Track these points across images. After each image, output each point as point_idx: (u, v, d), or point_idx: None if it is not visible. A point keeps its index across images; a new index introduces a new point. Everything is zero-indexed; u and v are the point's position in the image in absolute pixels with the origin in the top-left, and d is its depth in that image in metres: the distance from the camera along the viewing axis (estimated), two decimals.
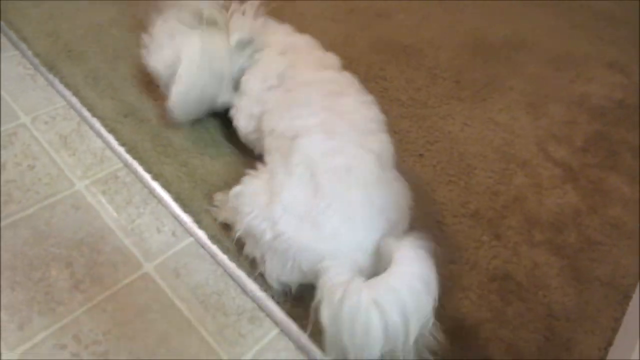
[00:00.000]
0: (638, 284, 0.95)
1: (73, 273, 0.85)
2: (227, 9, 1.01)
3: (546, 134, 1.24)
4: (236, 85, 0.99)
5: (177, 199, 0.97)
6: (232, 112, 1.01)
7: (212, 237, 0.92)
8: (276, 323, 0.84)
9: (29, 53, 1.21)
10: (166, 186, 0.98)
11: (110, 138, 1.06)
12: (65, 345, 0.77)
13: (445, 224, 1.01)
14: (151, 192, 0.99)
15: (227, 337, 0.81)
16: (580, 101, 1.35)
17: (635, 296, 0.93)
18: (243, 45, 0.98)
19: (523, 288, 0.93)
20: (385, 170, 0.82)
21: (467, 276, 0.93)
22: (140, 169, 1.01)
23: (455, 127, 1.22)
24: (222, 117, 1.07)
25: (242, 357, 0.79)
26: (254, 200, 0.80)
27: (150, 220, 0.95)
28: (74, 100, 1.12)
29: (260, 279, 0.86)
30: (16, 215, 0.91)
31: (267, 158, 0.87)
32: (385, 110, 0.90)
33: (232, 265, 0.89)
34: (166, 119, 1.07)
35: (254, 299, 0.86)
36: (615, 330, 0.89)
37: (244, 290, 0.87)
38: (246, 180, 0.84)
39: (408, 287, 0.65)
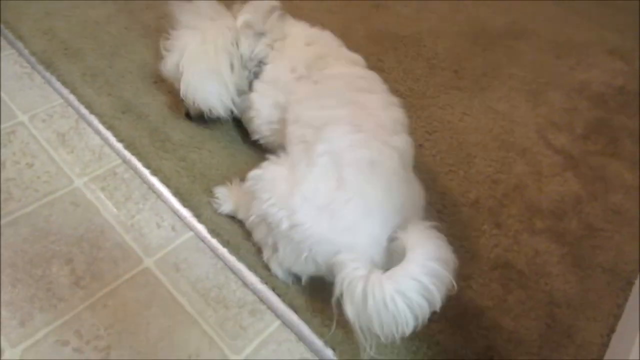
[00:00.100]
0: None
1: (74, 269, 0.85)
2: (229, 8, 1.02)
3: (546, 121, 1.23)
4: (255, 73, 0.98)
5: (176, 193, 0.97)
6: (250, 101, 0.99)
7: (212, 231, 0.92)
8: (277, 315, 0.84)
9: (26, 52, 1.21)
10: (165, 181, 0.98)
11: (109, 134, 1.06)
12: (67, 341, 0.77)
13: (445, 213, 1.01)
14: (150, 187, 0.99)
15: (228, 330, 0.81)
16: (581, 88, 1.34)
17: (637, 282, 0.93)
18: (250, 26, 0.97)
19: (524, 276, 0.92)
20: (406, 169, 0.82)
21: (468, 265, 0.92)
22: (139, 165, 1.01)
23: (454, 116, 1.21)
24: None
25: (243, 350, 0.80)
26: (273, 187, 0.79)
27: (149, 216, 0.95)
28: (72, 97, 1.12)
29: (262, 270, 0.87)
30: (16, 213, 0.92)
31: (288, 147, 0.86)
32: None
33: (232, 259, 0.89)
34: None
35: (254, 292, 0.86)
36: (617, 317, 0.89)
37: (245, 283, 0.87)
38: (266, 165, 0.83)
39: (426, 270, 0.67)
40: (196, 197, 0.96)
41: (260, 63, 0.97)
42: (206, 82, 0.97)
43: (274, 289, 0.85)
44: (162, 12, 1.34)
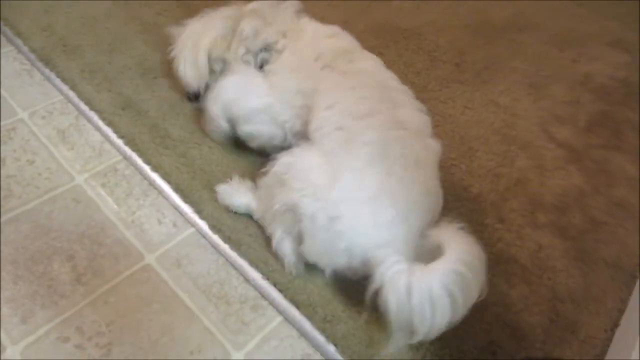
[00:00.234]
0: None
1: (75, 266, 0.85)
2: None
3: (549, 114, 1.22)
4: (263, 58, 0.99)
5: (177, 189, 0.96)
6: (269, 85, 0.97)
7: (213, 227, 0.91)
8: (279, 311, 0.84)
9: (25, 48, 1.20)
10: (165, 177, 0.98)
11: (109, 131, 1.05)
12: (69, 337, 0.77)
13: (447, 208, 0.99)
14: (151, 183, 0.99)
15: (230, 326, 0.81)
16: (584, 81, 1.33)
17: None
18: (256, 13, 0.99)
19: (527, 271, 0.92)
20: (438, 171, 0.84)
21: None
22: (139, 161, 1.01)
23: (456, 110, 1.20)
24: None
25: (245, 346, 0.79)
26: (307, 176, 0.78)
27: (150, 212, 0.95)
28: (71, 94, 1.12)
29: (263, 265, 0.86)
30: (17, 209, 0.91)
31: (314, 133, 0.85)
32: None
33: (233, 255, 0.89)
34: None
35: (256, 288, 0.86)
36: (621, 311, 0.88)
37: (246, 279, 0.87)
38: (298, 152, 0.81)
39: (469, 267, 0.67)
40: (197, 193, 0.96)
41: (269, 48, 0.98)
42: (186, 61, 1.02)
43: (275, 285, 0.85)
44: (160, 9, 1.34)
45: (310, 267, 0.87)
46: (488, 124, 1.17)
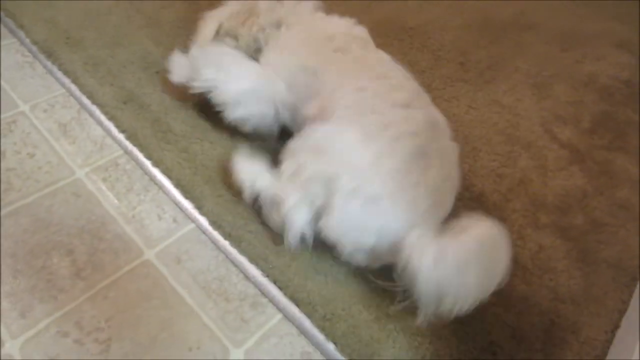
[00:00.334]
0: None
1: (74, 260, 0.85)
2: None
3: (552, 115, 1.22)
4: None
5: (178, 185, 0.96)
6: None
7: (214, 223, 0.91)
8: (279, 309, 0.84)
9: (27, 40, 1.20)
10: (167, 173, 0.97)
11: (110, 125, 1.05)
12: (68, 332, 0.77)
13: None
14: (152, 179, 0.98)
15: (229, 323, 0.81)
16: (587, 81, 1.32)
17: None
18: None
19: (528, 271, 0.91)
20: None
21: None
22: (140, 156, 1.00)
23: (460, 109, 1.20)
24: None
25: (244, 343, 0.79)
26: (350, 153, 0.78)
27: (151, 207, 0.94)
28: (73, 87, 1.11)
29: (263, 262, 0.86)
30: (16, 203, 0.91)
31: (345, 111, 0.85)
32: None
33: (233, 251, 0.88)
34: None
35: (256, 285, 0.86)
36: (622, 313, 0.88)
37: (246, 276, 0.87)
38: (336, 123, 0.82)
39: (494, 240, 0.71)
40: (198, 189, 0.95)
41: (280, 23, 1.00)
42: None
43: (275, 283, 0.85)
44: (164, 2, 1.33)
45: (311, 266, 0.86)
46: (491, 124, 1.17)
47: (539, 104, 1.24)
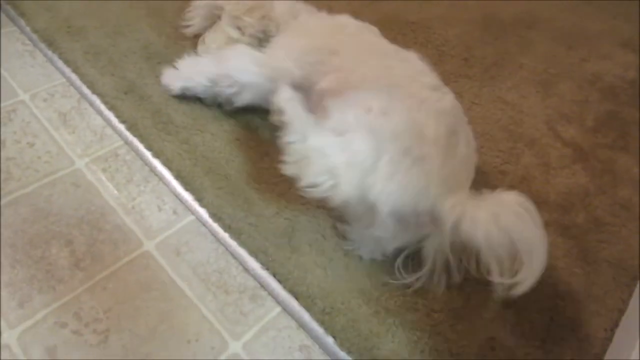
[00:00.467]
0: None
1: (73, 251, 0.84)
2: None
3: (556, 113, 1.21)
4: None
5: (178, 176, 0.95)
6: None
7: (213, 215, 0.90)
8: (278, 302, 0.83)
9: (28, 29, 1.19)
10: (167, 164, 0.97)
11: (111, 115, 1.04)
12: (66, 323, 0.76)
13: None
14: (152, 170, 0.98)
15: (228, 315, 0.81)
16: (592, 80, 1.31)
17: None
18: None
19: None
20: None
21: None
22: (140, 147, 1.00)
23: (463, 105, 1.16)
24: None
25: (243, 335, 0.79)
26: (414, 122, 0.81)
27: (151, 198, 0.94)
28: (74, 76, 1.10)
29: (263, 255, 0.85)
30: (16, 192, 0.90)
31: (372, 84, 0.88)
32: None
33: (233, 244, 0.88)
34: None
35: (255, 278, 0.85)
36: (622, 311, 0.88)
37: (246, 269, 0.86)
38: (393, 92, 0.85)
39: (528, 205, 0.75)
40: (198, 181, 0.95)
41: (294, 16, 1.05)
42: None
43: (275, 275, 0.84)
44: None
45: (311, 259, 0.86)
46: (495, 120, 1.16)
47: (543, 101, 1.23)
